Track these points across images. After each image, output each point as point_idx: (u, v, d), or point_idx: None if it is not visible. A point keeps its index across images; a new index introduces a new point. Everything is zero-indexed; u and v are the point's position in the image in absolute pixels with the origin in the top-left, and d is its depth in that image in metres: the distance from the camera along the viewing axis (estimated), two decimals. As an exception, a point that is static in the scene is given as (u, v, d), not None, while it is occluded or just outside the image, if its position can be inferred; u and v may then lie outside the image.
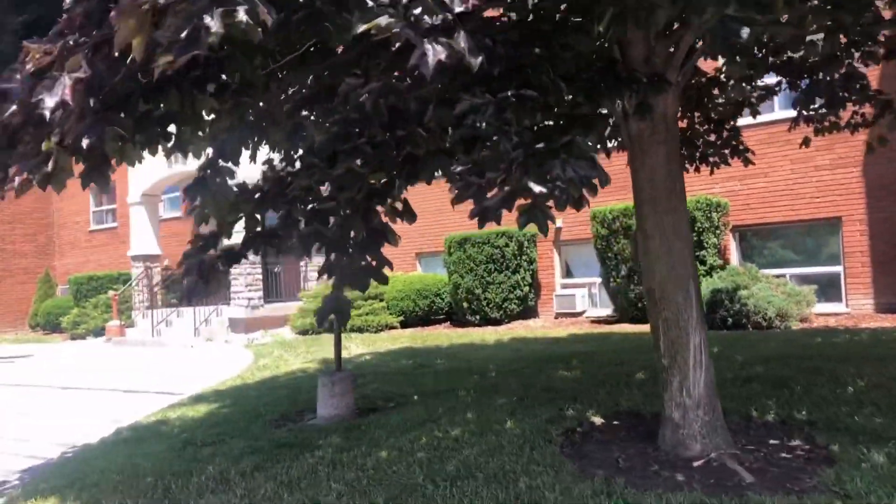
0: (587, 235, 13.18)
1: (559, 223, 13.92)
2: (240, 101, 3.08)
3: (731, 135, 7.56)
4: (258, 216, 3.76)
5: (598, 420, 5.28)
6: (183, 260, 3.70)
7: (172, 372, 11.58)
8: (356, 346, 11.71)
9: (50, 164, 2.62)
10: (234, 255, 3.68)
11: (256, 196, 3.66)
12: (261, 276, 16.40)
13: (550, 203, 2.60)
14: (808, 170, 11.53)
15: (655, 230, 4.40)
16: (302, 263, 17.44)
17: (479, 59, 2.08)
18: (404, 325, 14.18)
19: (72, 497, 4.74)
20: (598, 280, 13.21)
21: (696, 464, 4.20)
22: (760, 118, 8.33)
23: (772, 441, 4.55)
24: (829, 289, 11.25)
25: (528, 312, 13.89)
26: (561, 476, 4.11)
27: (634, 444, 4.66)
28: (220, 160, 4.43)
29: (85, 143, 2.40)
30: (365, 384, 7.73)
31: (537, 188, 2.36)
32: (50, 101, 2.16)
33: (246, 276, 16.06)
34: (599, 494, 3.79)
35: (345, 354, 10.77)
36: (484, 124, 2.54)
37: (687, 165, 7.52)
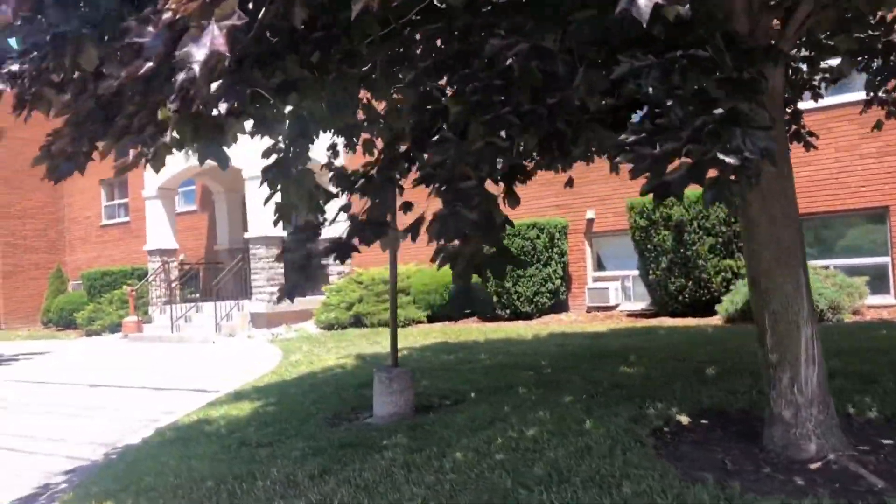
0: (621, 227, 12.86)
1: (590, 214, 13.60)
2: (345, 70, 2.75)
3: (793, 118, 7.23)
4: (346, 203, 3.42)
5: (683, 419, 4.96)
6: (283, 253, 3.38)
7: (199, 368, 11.29)
8: (388, 341, 11.40)
9: (168, 135, 2.30)
10: (344, 248, 3.35)
11: (361, 181, 3.31)
12: (282, 271, 16.08)
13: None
14: (852, 158, 11.19)
15: (761, 215, 4.08)
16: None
17: (686, 5, 1.76)
18: (431, 319, 13.87)
19: (131, 501, 4.45)
20: (632, 273, 12.89)
21: (812, 466, 3.89)
22: (802, 105, 7.97)
23: (884, 441, 4.24)
24: (876, 280, 10.92)
25: (559, 306, 13.58)
26: (667, 480, 3.79)
27: (735, 444, 4.35)
28: (294, 144, 4.11)
29: (222, 107, 2.08)
30: (415, 381, 7.42)
31: (730, 159, 2.04)
32: (199, 54, 1.82)
33: (267, 271, 15.76)
34: (717, 500, 3.48)
35: (379, 349, 10.47)
36: (650, 89, 2.21)
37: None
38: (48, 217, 25.22)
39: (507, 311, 13.05)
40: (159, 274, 17.83)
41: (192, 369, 11.25)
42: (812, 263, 10.73)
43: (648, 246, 11.51)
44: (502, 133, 2.40)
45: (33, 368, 12.79)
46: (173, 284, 18.03)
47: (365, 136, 4.90)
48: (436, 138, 2.73)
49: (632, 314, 12.48)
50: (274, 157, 4.52)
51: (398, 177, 3.48)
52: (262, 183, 4.53)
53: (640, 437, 4.59)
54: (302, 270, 3.34)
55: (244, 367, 11.01)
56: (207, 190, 20.33)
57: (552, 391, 6.20)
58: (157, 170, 2.81)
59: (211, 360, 12.15)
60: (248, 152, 16.19)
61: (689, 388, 5.75)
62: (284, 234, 16.74)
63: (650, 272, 11.60)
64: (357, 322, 13.98)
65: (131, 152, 2.53)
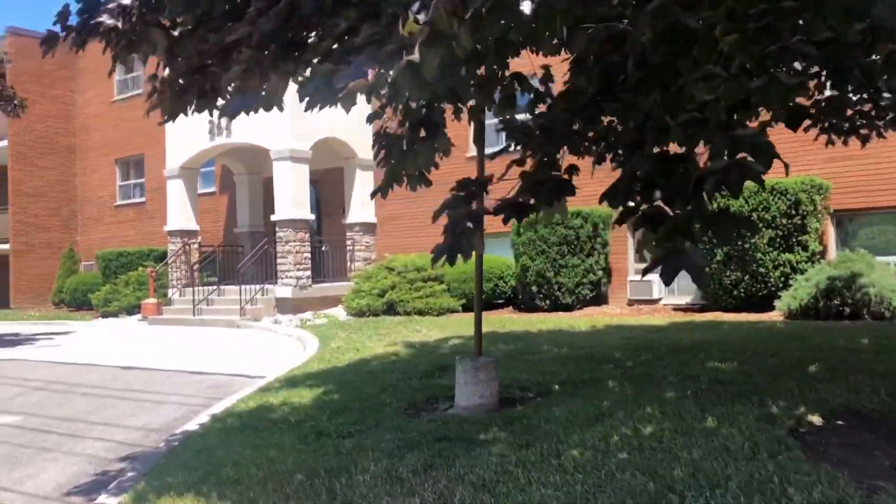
0: (668, 218, 12.40)
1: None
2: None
3: (891, 105, 6.77)
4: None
5: (816, 419, 4.54)
6: (442, 210, 2.94)
7: (232, 351, 10.85)
8: (429, 329, 10.97)
9: (416, 52, 1.83)
10: (520, 208, 2.90)
11: (536, 133, 2.86)
12: (309, 255, 15.64)
13: None
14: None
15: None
16: (349, 242, 16.69)
17: None
18: (466, 308, 13.44)
19: (216, 495, 4.01)
20: (678, 266, 12.43)
21: None
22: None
23: None
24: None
25: (600, 299, 13.14)
26: (840, 488, 3.37)
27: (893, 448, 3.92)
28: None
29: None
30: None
31: None
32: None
33: (294, 255, 15.30)
34: (912, 513, 3.06)
35: (422, 337, 10.04)
36: None
37: (833, 137, 6.73)
38: (60, 196, 24.70)
39: (547, 302, 12.62)
40: (179, 255, 17.35)
41: (225, 353, 10.81)
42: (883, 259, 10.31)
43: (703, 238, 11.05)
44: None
45: (60, 350, 12.34)
46: (194, 267, 17.57)
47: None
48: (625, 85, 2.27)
49: (678, 308, 12.05)
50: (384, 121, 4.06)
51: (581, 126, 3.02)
52: (377, 152, 4.06)
53: (779, 437, 4.16)
54: (459, 232, 2.88)
55: (279, 351, 10.58)
56: (227, 171, 19.85)
57: (646, 386, 5.76)
58: (347, 109, 2.35)
59: (242, 344, 11.70)
60: (277, 132, 15.75)
61: (804, 387, 5.32)
62: (312, 217, 16.33)
63: (703, 265, 11.14)
64: (390, 309, 13.54)
65: (369, 73, 2.08)
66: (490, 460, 4.17)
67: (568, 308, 12.58)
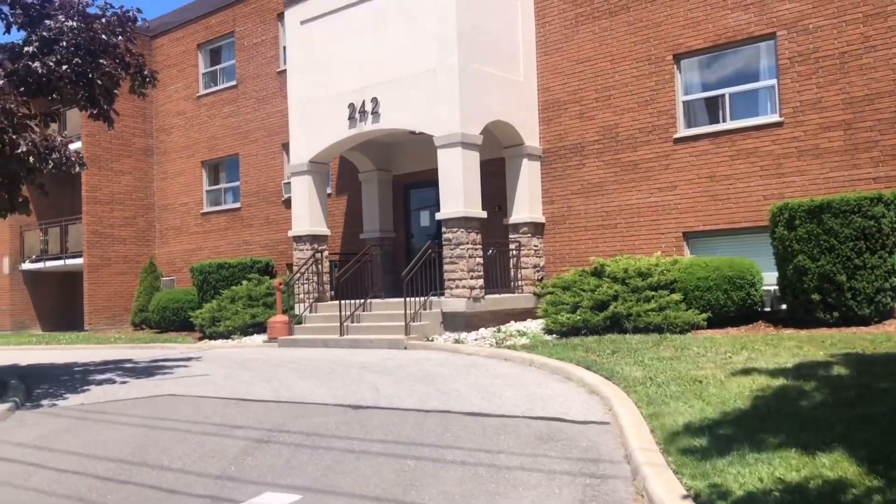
0: None
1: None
2: None
3: None
4: None
5: None
6: None
7: (450, 380, 8.03)
8: (737, 357, 8.18)
9: None
10: None
11: None
12: (482, 261, 12.94)
13: None
14: None
15: None
16: (512, 246, 13.97)
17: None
18: (713, 324, 10.66)
19: None
20: None
21: None
22: None
23: None
24: None
25: (898, 309, 10.31)
26: None
27: None
28: None
29: None
30: None
31: None
32: None
33: (467, 260, 12.61)
34: None
35: (780, 362, 7.25)
36: None
37: None
38: (137, 204, 22.18)
39: (835, 314, 9.81)
40: (309, 265, 14.69)
41: (444, 383, 8.05)
42: None
43: None
44: None
45: (202, 380, 9.65)
46: (324, 277, 14.91)
47: None
48: None
49: None
50: None
51: None
52: None
53: None
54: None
55: (520, 379, 7.78)
56: (347, 169, 17.24)
57: None
58: None
59: (449, 371, 8.86)
60: (444, 113, 12.84)
61: None
62: (484, 214, 13.63)
63: None
64: (614, 325, 10.78)
65: None
66: None
67: (862, 321, 9.76)
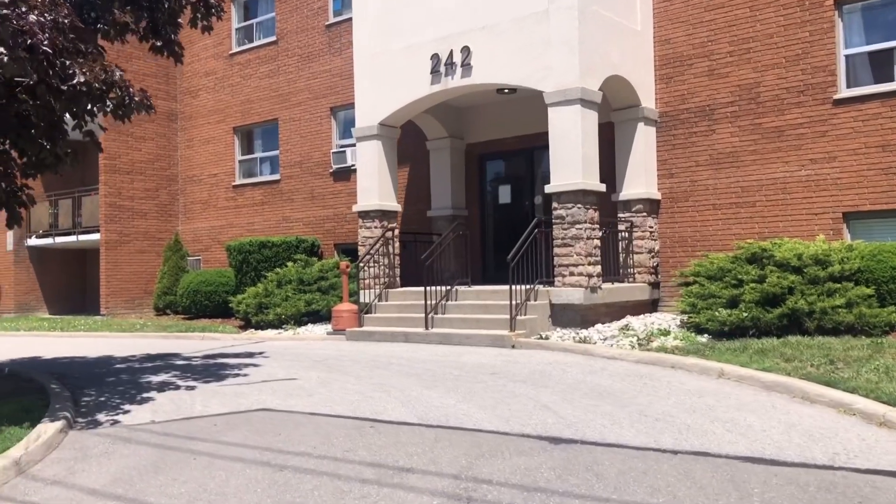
0: None
1: None
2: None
3: None
4: None
5: None
6: None
7: (665, 406, 5.83)
8: None
9: None
10: None
11: None
12: (599, 243, 10.87)
13: None
14: None
15: None
16: (622, 227, 11.89)
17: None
18: (913, 324, 8.66)
19: None
20: None
21: None
22: None
23: None
24: None
25: None
26: None
27: None
28: None
29: None
30: None
31: None
32: None
33: (585, 242, 10.52)
34: None
35: None
36: None
37: None
38: (160, 174, 19.94)
39: None
40: (378, 245, 12.58)
41: (650, 407, 5.87)
42: None
43: None
44: None
45: (292, 386, 7.54)
46: (395, 260, 12.81)
47: None
48: None
49: None
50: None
51: None
52: None
53: None
54: None
55: (758, 407, 5.49)
56: (408, 135, 15.02)
57: None
58: None
59: (624, 386, 6.69)
60: (557, 64, 10.43)
61: None
62: (603, 188, 11.51)
63: None
64: (794, 324, 8.74)
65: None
66: None
67: None
